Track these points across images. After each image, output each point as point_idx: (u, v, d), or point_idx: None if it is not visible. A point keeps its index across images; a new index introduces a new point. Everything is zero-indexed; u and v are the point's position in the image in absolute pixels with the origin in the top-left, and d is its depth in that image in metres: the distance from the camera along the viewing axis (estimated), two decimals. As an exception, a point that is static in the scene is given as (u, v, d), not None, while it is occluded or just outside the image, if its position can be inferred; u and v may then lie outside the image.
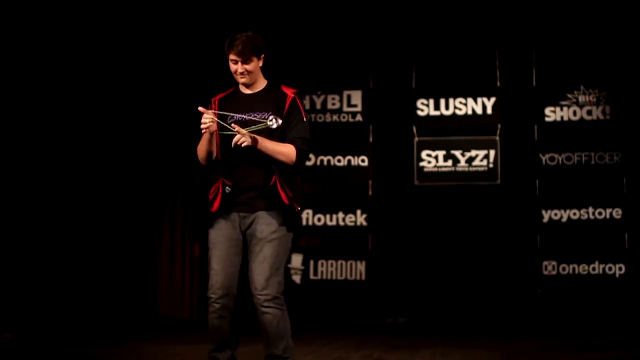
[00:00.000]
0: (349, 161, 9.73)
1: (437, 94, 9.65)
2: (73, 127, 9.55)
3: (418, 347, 7.15)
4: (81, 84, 9.60)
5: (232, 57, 4.53)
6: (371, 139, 9.77)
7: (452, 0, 9.45)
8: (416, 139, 9.64)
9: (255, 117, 4.52)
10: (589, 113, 9.36)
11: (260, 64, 4.61)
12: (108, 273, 9.61)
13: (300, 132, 4.55)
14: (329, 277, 9.65)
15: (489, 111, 9.52)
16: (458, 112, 9.57)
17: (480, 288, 9.35)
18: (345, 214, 9.71)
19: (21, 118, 9.09)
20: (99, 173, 9.71)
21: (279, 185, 4.49)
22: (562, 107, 9.42)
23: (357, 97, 9.81)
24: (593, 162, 9.28)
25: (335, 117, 9.80)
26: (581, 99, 9.37)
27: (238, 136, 4.36)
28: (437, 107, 9.62)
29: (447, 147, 9.59)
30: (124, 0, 9.21)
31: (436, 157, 9.58)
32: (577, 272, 9.15)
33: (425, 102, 9.64)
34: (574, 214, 9.25)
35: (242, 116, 4.53)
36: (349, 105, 9.80)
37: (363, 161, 9.71)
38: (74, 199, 9.52)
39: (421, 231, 9.61)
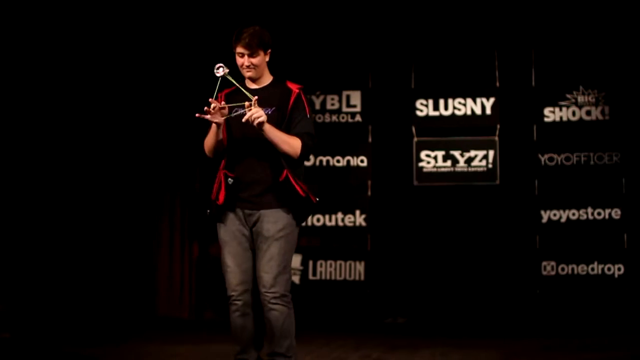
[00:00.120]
0: (348, 161, 9.73)
1: (436, 94, 9.65)
2: (72, 127, 9.56)
3: (417, 347, 7.15)
4: (80, 85, 9.60)
5: (238, 50, 4.54)
6: (370, 139, 9.76)
7: (451, 0, 9.46)
8: (415, 139, 9.64)
9: None
10: (588, 113, 9.36)
11: (267, 59, 4.62)
12: (107, 273, 9.61)
13: (304, 126, 4.56)
14: (328, 277, 9.65)
15: (488, 111, 9.52)
16: (457, 112, 9.58)
17: (479, 288, 9.35)
18: (344, 214, 9.71)
19: (20, 118, 9.09)
20: (98, 173, 9.71)
21: (292, 179, 4.50)
22: (561, 107, 9.42)
23: (356, 97, 9.81)
24: (592, 162, 9.28)
25: (334, 117, 9.80)
26: (580, 99, 9.38)
27: (253, 110, 4.34)
28: (436, 107, 9.62)
29: (446, 147, 9.59)
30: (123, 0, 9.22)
31: (435, 157, 9.58)
32: (575, 272, 9.15)
33: (424, 102, 9.64)
34: (573, 214, 9.25)
35: (247, 110, 4.55)
36: (348, 105, 9.80)
37: (362, 161, 9.71)
38: (73, 198, 9.52)
39: (420, 231, 9.60)
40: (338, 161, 9.73)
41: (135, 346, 7.20)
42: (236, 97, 4.63)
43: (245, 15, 8.78)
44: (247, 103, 4.38)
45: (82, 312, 9.24)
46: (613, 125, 9.28)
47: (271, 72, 4.73)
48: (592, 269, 9.12)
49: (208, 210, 4.67)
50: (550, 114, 9.43)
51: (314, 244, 9.75)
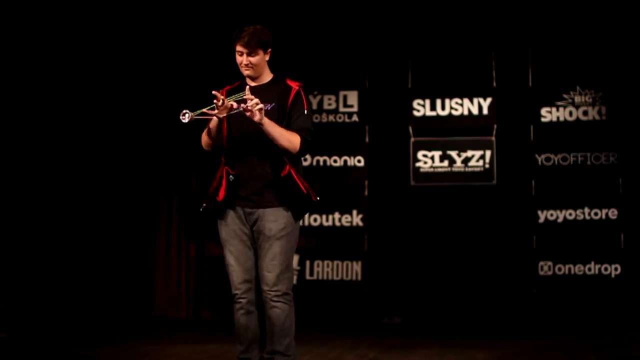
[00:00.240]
0: (345, 161, 9.73)
1: (433, 94, 9.65)
2: (69, 127, 9.55)
3: (413, 347, 7.15)
4: (77, 85, 9.60)
5: (238, 48, 4.55)
6: (367, 139, 9.77)
7: (448, 0, 9.46)
8: (412, 139, 9.64)
9: None
10: (585, 113, 9.37)
11: (267, 58, 4.63)
12: (104, 272, 9.61)
13: (303, 122, 4.56)
14: (325, 278, 9.65)
15: (485, 111, 9.52)
16: (454, 113, 9.58)
17: (475, 288, 9.35)
18: (341, 214, 9.71)
19: (18, 118, 9.09)
20: (95, 172, 9.71)
21: (294, 175, 4.51)
22: (557, 107, 9.43)
23: (353, 97, 9.81)
24: (589, 163, 9.29)
25: (331, 117, 9.80)
26: (577, 99, 9.38)
27: (253, 102, 4.33)
28: (433, 108, 9.62)
29: (443, 147, 9.60)
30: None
31: (432, 158, 9.59)
32: (572, 272, 9.16)
33: (421, 102, 9.64)
34: (570, 214, 9.26)
35: (247, 106, 4.55)
36: (345, 105, 9.80)
37: (359, 161, 9.72)
38: (70, 198, 9.52)
39: (417, 231, 9.61)
40: (335, 161, 9.73)
41: (132, 346, 7.20)
42: (236, 94, 4.64)
43: (243, 15, 8.78)
44: (242, 105, 4.36)
45: (78, 312, 9.23)
46: (610, 125, 9.29)
47: (271, 71, 4.74)
48: (589, 269, 9.12)
49: (204, 204, 4.65)
50: (547, 114, 9.44)
51: (311, 244, 9.75)
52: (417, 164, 9.60)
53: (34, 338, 7.67)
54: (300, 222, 4.71)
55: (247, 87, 4.41)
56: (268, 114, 4.50)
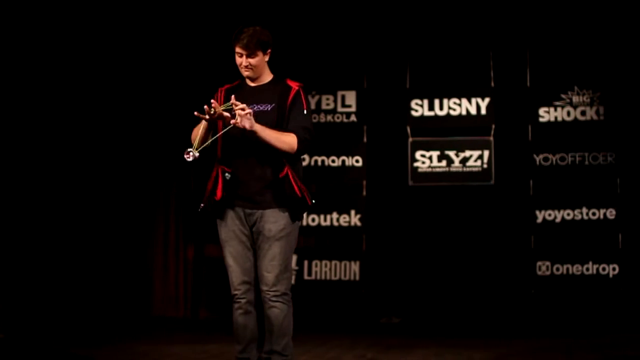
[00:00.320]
0: (343, 161, 9.73)
1: (431, 94, 9.65)
2: (66, 128, 9.55)
3: (411, 347, 7.16)
4: (76, 86, 9.60)
5: (237, 50, 4.57)
6: (365, 139, 9.77)
7: (446, 0, 9.46)
8: (410, 139, 9.64)
9: (259, 108, 4.55)
10: (583, 113, 9.37)
11: (266, 59, 4.64)
12: (102, 272, 9.61)
13: (301, 121, 4.56)
14: (323, 277, 9.65)
15: (483, 111, 9.52)
16: (452, 113, 9.58)
17: (474, 288, 9.35)
18: (339, 214, 9.71)
19: (15, 118, 9.09)
20: (92, 172, 9.71)
21: (291, 177, 4.51)
22: (555, 107, 9.43)
23: (351, 97, 9.80)
24: (587, 163, 9.29)
25: (329, 117, 9.80)
26: (575, 99, 9.39)
27: (239, 108, 4.34)
28: (431, 108, 9.62)
29: (441, 147, 9.60)
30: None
31: (430, 157, 9.59)
32: (570, 272, 9.16)
33: (419, 102, 9.64)
34: (568, 214, 9.26)
35: (235, 122, 4.55)
36: (343, 105, 9.80)
37: (357, 161, 9.71)
38: (68, 199, 9.52)
39: (415, 231, 9.61)
40: (333, 161, 9.73)
41: (130, 346, 7.20)
42: (235, 93, 4.64)
43: (242, 15, 8.79)
44: (232, 121, 4.36)
45: (77, 312, 9.23)
46: (608, 125, 9.29)
47: (271, 71, 4.74)
48: (587, 269, 9.13)
49: (202, 205, 4.65)
50: (545, 114, 9.44)
51: (309, 244, 9.75)
52: (415, 164, 9.60)
53: (32, 338, 7.67)
54: (301, 223, 4.72)
55: (232, 96, 4.41)
56: (267, 114, 4.51)
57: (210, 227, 4.74)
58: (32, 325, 8.55)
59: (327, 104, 9.81)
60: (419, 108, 9.63)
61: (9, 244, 8.89)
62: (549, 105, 9.44)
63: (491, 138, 9.50)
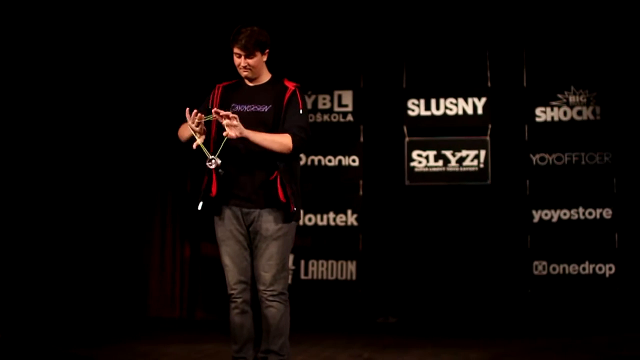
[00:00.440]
0: (340, 161, 9.73)
1: (428, 93, 9.65)
2: (63, 128, 9.54)
3: (408, 347, 7.16)
4: (74, 86, 9.59)
5: (235, 50, 4.57)
6: (362, 139, 9.77)
7: (443, 0, 9.46)
8: (407, 139, 9.64)
9: (256, 109, 4.56)
10: (579, 113, 9.38)
11: (264, 59, 4.64)
12: (98, 273, 9.60)
13: (296, 121, 4.57)
14: (320, 277, 9.65)
15: (480, 111, 9.53)
16: (448, 112, 9.58)
17: (470, 288, 9.35)
18: (336, 213, 9.71)
19: (13, 119, 9.08)
20: (90, 173, 9.69)
21: (279, 181, 4.51)
22: (552, 107, 9.44)
23: (347, 96, 9.81)
24: (583, 162, 9.30)
25: (325, 117, 9.80)
26: (571, 99, 9.39)
27: (227, 130, 4.36)
28: (427, 107, 9.63)
29: (438, 147, 9.60)
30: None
31: (427, 157, 9.59)
32: (567, 271, 9.16)
33: (415, 102, 9.64)
34: (564, 214, 9.26)
35: (243, 107, 4.57)
36: (340, 105, 9.80)
37: (354, 161, 9.71)
38: (65, 199, 9.51)
39: (412, 231, 9.60)
40: (330, 161, 9.73)
41: (127, 346, 7.19)
42: (232, 92, 4.66)
43: (239, 15, 8.78)
44: (223, 133, 4.39)
45: (73, 312, 9.22)
46: (604, 125, 9.30)
47: (269, 71, 4.74)
48: (584, 269, 9.13)
49: (201, 202, 4.64)
50: (542, 114, 9.44)
51: (305, 244, 9.74)
52: (412, 164, 9.60)
53: (29, 338, 7.65)
54: (299, 223, 4.73)
55: (213, 109, 4.44)
56: (264, 115, 4.52)
57: (207, 226, 4.74)
58: (29, 325, 8.53)
59: (324, 104, 9.81)
60: (416, 108, 9.63)
61: (7, 245, 8.87)
62: (545, 105, 9.44)
63: (488, 138, 9.50)
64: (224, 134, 4.36)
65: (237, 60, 4.60)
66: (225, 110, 4.43)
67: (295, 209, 4.59)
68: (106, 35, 9.57)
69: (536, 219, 9.31)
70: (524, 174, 9.43)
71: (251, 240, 4.62)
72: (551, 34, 9.42)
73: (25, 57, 9.14)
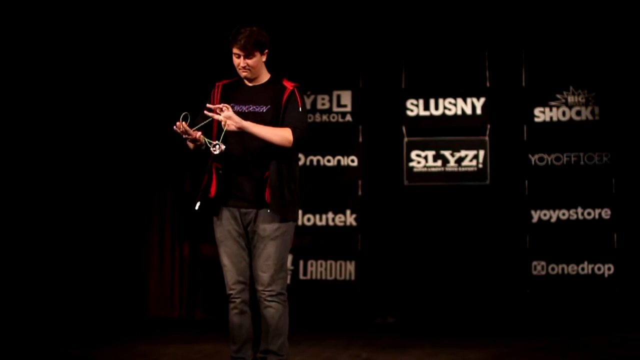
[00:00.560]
0: (339, 161, 9.73)
1: (427, 94, 9.65)
2: (62, 128, 9.54)
3: (406, 347, 7.16)
4: (73, 86, 9.59)
5: (234, 50, 4.57)
6: (360, 139, 9.76)
7: (442, 0, 9.46)
8: (405, 139, 9.64)
9: (254, 109, 4.56)
10: (578, 113, 9.38)
11: (264, 59, 4.64)
12: (97, 273, 9.60)
13: (296, 117, 4.57)
14: (318, 277, 9.65)
15: (478, 111, 9.52)
16: (447, 112, 9.58)
17: (469, 288, 9.35)
18: (335, 213, 9.71)
19: (12, 119, 9.08)
20: (88, 173, 9.69)
21: (269, 183, 4.51)
22: (551, 107, 9.44)
23: (346, 97, 9.81)
24: (582, 162, 9.30)
25: (324, 117, 9.80)
26: (570, 99, 9.39)
27: (223, 121, 4.36)
28: (426, 107, 9.63)
29: (437, 147, 9.60)
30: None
31: (425, 157, 9.59)
32: (566, 272, 9.17)
33: (414, 102, 9.64)
34: (563, 214, 9.26)
35: (242, 107, 4.57)
36: (339, 105, 9.80)
37: (352, 161, 9.71)
38: (64, 199, 9.51)
39: (410, 231, 9.60)
40: (329, 161, 9.73)
41: (126, 346, 7.19)
42: (231, 91, 4.66)
43: (238, 15, 8.79)
44: (222, 123, 4.40)
45: (73, 312, 9.22)
46: (603, 125, 9.30)
47: (268, 71, 4.75)
48: (582, 269, 9.13)
49: (199, 202, 4.65)
50: (541, 114, 9.45)
51: (304, 244, 9.74)
52: (411, 164, 9.60)
53: (28, 338, 7.65)
54: (297, 223, 4.73)
55: (204, 110, 4.45)
56: (262, 115, 4.52)
57: (206, 226, 4.74)
58: (28, 325, 8.53)
59: (323, 104, 9.81)
60: (415, 108, 9.63)
61: (6, 245, 8.87)
62: (544, 105, 9.45)
63: (486, 138, 9.50)
64: (222, 123, 4.37)
65: (236, 61, 4.61)
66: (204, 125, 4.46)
67: (269, 211, 4.57)
68: (105, 35, 9.57)
69: (535, 219, 9.31)
70: (522, 174, 9.43)
71: (249, 241, 4.63)
72: (550, 35, 9.42)
73: (25, 57, 9.14)
